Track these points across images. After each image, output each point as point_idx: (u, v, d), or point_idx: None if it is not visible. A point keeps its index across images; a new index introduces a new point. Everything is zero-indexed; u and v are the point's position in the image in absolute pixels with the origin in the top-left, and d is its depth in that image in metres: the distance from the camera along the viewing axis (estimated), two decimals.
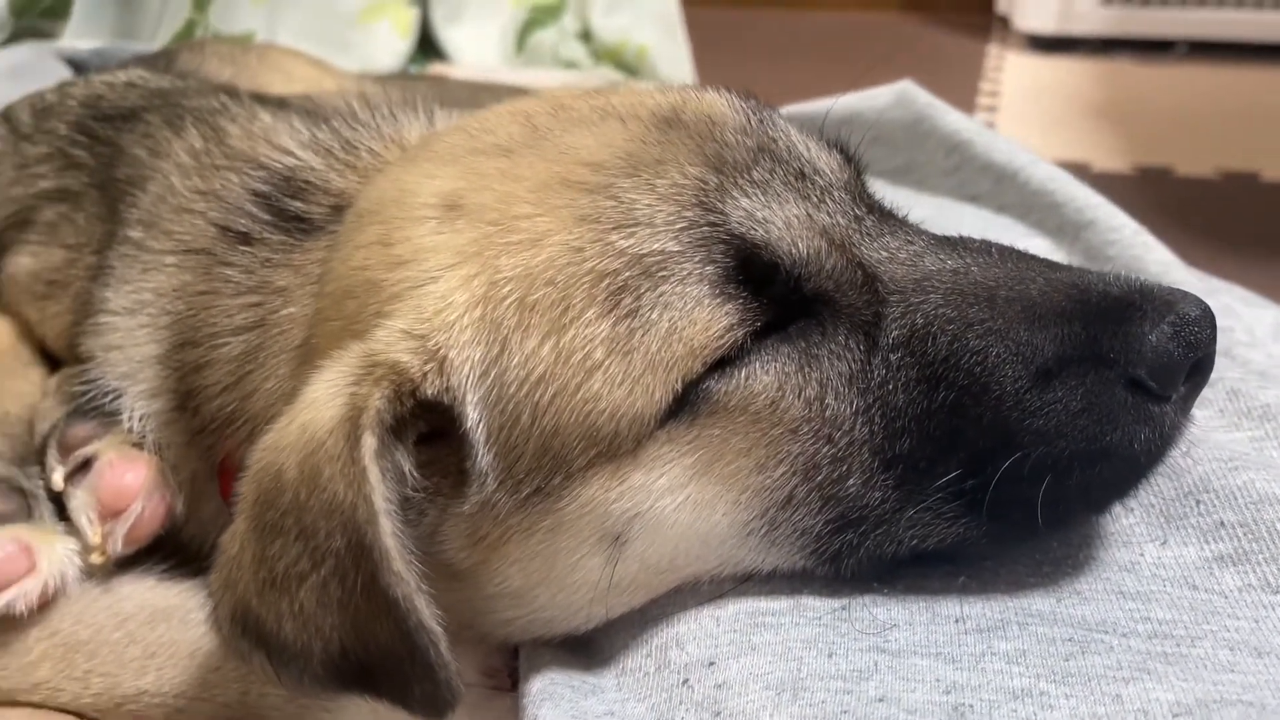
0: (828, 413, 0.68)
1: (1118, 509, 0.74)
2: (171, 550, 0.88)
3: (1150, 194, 2.14)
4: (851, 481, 0.68)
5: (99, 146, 1.07)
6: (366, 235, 0.74)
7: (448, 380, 0.67)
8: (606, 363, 0.65)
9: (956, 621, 0.68)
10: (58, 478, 0.86)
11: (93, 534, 0.84)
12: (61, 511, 0.87)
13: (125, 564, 0.86)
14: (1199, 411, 0.82)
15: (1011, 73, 2.96)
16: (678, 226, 0.66)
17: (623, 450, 0.67)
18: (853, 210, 0.71)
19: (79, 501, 0.85)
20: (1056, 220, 1.10)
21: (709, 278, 0.66)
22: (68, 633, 0.82)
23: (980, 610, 0.68)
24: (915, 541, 0.69)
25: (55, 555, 0.82)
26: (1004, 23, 3.32)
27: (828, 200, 0.71)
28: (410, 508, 0.69)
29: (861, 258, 0.69)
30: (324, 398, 0.66)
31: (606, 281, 0.66)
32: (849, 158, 0.77)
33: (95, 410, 0.89)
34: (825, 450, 0.68)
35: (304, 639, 0.66)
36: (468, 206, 0.70)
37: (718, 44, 3.27)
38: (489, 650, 0.81)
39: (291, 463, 0.66)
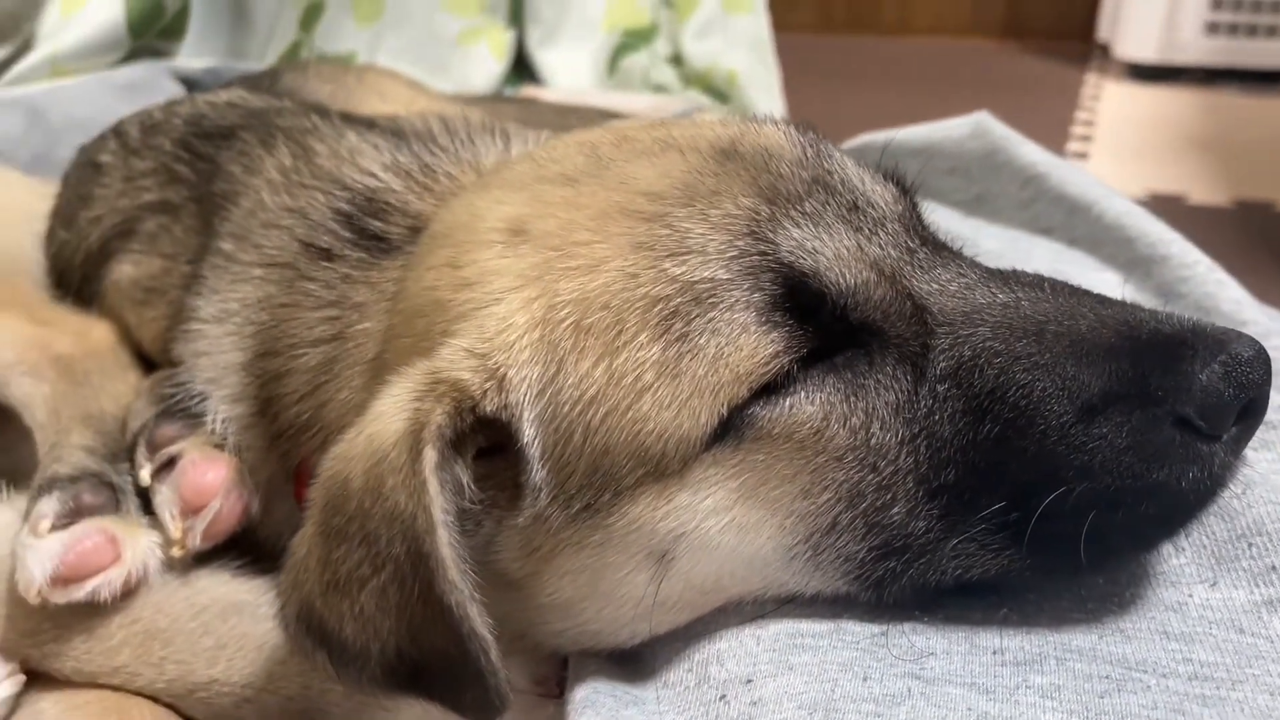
0: (873, 441, 0.69)
1: (1168, 549, 0.74)
2: (247, 548, 0.92)
3: (1250, 228, 2.09)
4: (896, 510, 0.69)
5: (199, 162, 1.13)
6: (437, 257, 0.77)
7: (506, 398, 0.70)
8: (656, 385, 0.68)
9: (994, 653, 0.68)
10: (145, 474, 0.91)
11: (174, 528, 0.88)
12: (147, 506, 0.92)
13: (204, 559, 0.91)
14: (1261, 454, 0.82)
15: (1110, 102, 2.92)
16: (729, 255, 0.68)
17: (670, 471, 0.69)
18: (905, 242, 0.72)
19: (163, 497, 0.89)
20: (1129, 255, 1.09)
21: (756, 305, 0.67)
22: (148, 621, 0.87)
23: (1019, 643, 0.69)
24: (959, 572, 0.70)
25: (139, 547, 0.87)
26: (1104, 51, 3.27)
27: (880, 232, 0.72)
28: (468, 519, 0.72)
29: (912, 289, 0.70)
30: (390, 411, 0.69)
31: (659, 307, 0.68)
32: (905, 190, 0.78)
33: (182, 412, 0.94)
34: (870, 479, 0.69)
35: (363, 640, 0.69)
36: (532, 232, 0.73)
37: (809, 70, 3.28)
38: (540, 659, 0.84)
39: (358, 472, 0.69)
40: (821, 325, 0.68)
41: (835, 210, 0.72)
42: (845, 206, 0.72)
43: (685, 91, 2.60)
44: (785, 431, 0.68)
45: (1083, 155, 2.51)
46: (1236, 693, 0.63)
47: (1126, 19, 3.06)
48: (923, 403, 0.69)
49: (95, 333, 1.13)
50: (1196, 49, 3.01)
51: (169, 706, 0.87)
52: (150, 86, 1.95)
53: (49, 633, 0.86)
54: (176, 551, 0.89)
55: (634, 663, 0.78)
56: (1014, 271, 0.73)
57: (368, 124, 1.09)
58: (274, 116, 1.13)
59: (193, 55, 2.14)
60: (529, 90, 2.51)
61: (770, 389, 0.68)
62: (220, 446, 0.92)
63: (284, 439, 0.88)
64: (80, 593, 0.83)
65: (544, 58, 2.65)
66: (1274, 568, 0.70)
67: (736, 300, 0.68)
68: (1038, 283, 0.72)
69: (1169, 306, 1.02)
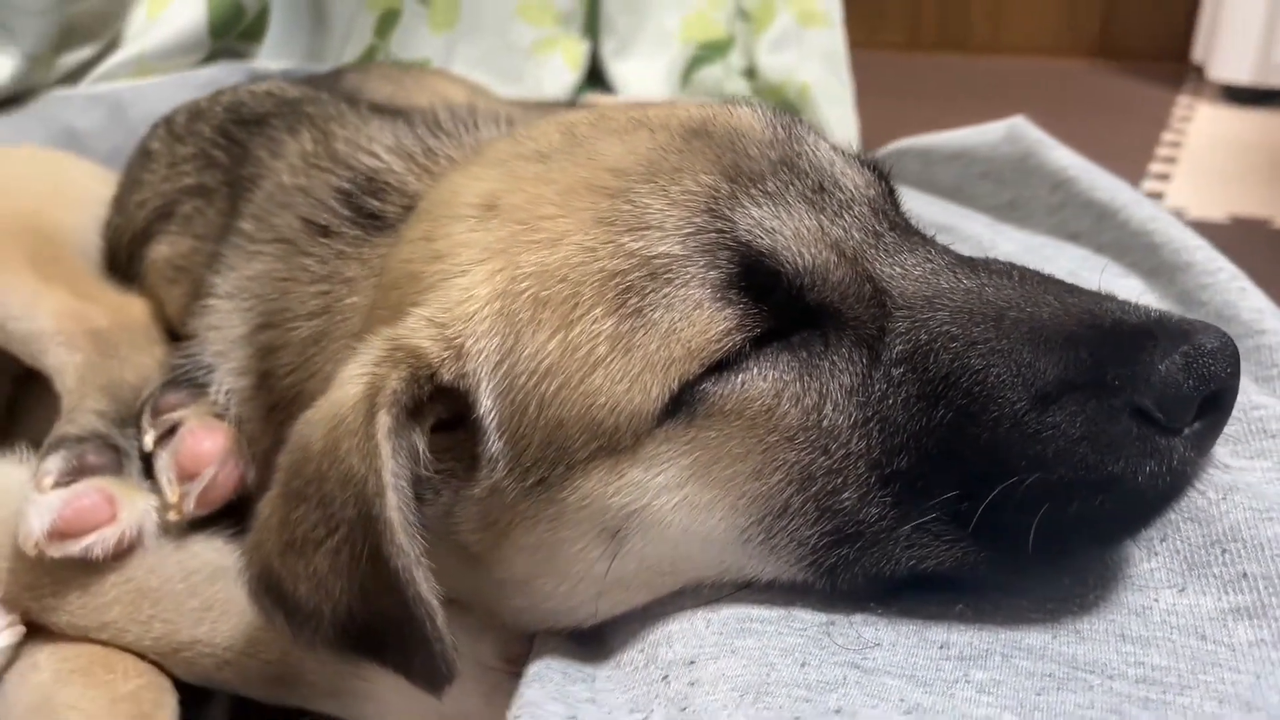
0: (825, 423, 0.68)
1: (1140, 552, 0.71)
2: (243, 517, 0.95)
3: None
4: (847, 495, 0.68)
5: (234, 148, 1.17)
6: (416, 231, 0.79)
7: (464, 367, 0.70)
8: (609, 359, 0.68)
9: (941, 647, 0.66)
10: (149, 440, 0.94)
11: (171, 493, 0.91)
12: (150, 471, 0.95)
13: (201, 525, 0.93)
14: (1256, 463, 0.78)
15: (1200, 123, 2.82)
16: (685, 231, 0.68)
17: (622, 446, 0.69)
18: (873, 226, 0.71)
19: (162, 462, 0.92)
20: (1153, 262, 1.05)
21: (711, 282, 0.67)
22: (140, 580, 0.89)
23: (968, 639, 0.67)
24: (912, 562, 0.68)
25: (136, 508, 0.90)
26: (1199, 72, 3.16)
27: (845, 215, 0.71)
28: (427, 488, 0.73)
29: (872, 272, 0.69)
30: (350, 377, 0.71)
31: (615, 281, 0.68)
32: (882, 176, 0.77)
33: (189, 382, 0.97)
34: (821, 461, 0.68)
35: (316, 601, 0.70)
36: (502, 207, 0.74)
37: (897, 88, 3.25)
38: (511, 638, 0.84)
39: (318, 435, 0.71)
40: (777, 304, 0.68)
41: (799, 191, 0.71)
42: (811, 188, 0.71)
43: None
44: (737, 408, 0.68)
45: (1164, 176, 2.44)
46: (1183, 698, 0.60)
47: (1222, 40, 2.96)
48: (877, 386, 0.68)
49: (131, 309, 1.17)
50: None
51: (154, 665, 0.89)
52: (228, 86, 2.02)
53: (48, 586, 0.89)
54: (173, 516, 0.92)
55: (594, 643, 0.78)
56: (986, 259, 0.72)
57: (397, 113, 1.11)
58: (305, 105, 1.16)
59: (272, 58, 2.20)
60: (592, 98, 2.53)
61: (723, 366, 0.67)
62: (221, 417, 0.95)
63: (279, 410, 0.90)
64: (75, 548, 0.86)
65: (618, 68, 2.67)
66: (1245, 575, 0.66)
67: (692, 276, 0.67)
68: (1006, 271, 0.70)
69: (1191, 313, 0.99)
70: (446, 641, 0.69)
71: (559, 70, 2.62)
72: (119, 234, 1.27)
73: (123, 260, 1.25)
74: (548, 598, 0.75)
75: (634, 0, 2.69)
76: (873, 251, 0.70)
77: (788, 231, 0.68)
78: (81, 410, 0.97)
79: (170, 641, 0.88)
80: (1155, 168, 2.49)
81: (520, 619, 0.80)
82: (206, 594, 0.89)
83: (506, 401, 0.70)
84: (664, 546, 0.71)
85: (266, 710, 0.93)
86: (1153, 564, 0.70)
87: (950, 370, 0.66)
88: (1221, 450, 0.80)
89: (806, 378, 0.68)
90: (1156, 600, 0.68)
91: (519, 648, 0.84)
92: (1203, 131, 2.75)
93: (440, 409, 0.72)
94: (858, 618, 0.70)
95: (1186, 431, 0.63)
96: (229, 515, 0.94)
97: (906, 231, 0.73)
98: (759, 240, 0.68)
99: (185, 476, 0.91)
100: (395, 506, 0.67)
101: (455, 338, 0.70)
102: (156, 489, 0.93)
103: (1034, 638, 0.66)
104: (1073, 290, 0.68)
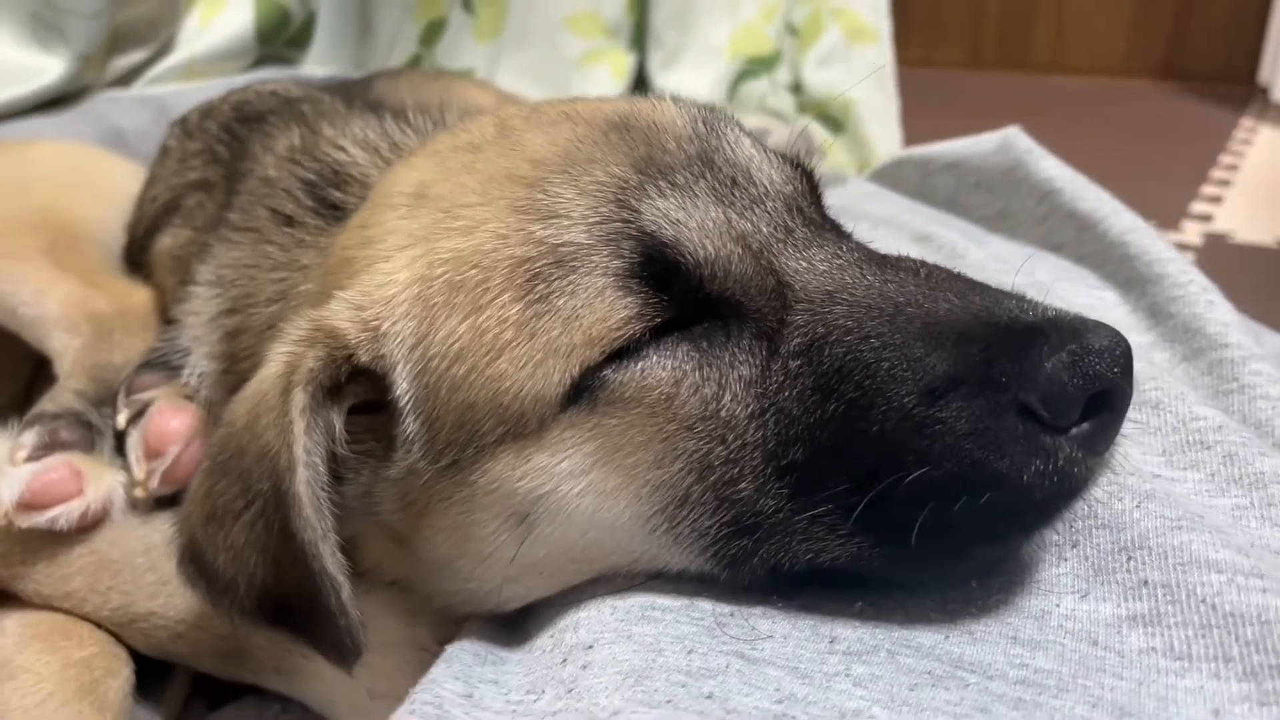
0: (723, 413, 0.68)
1: (1051, 557, 0.70)
2: None
3: None
4: (744, 485, 0.68)
5: (235, 144, 1.21)
6: (356, 219, 0.81)
7: (381, 349, 0.72)
8: (515, 343, 0.69)
9: (830, 641, 0.66)
10: (121, 419, 0.98)
11: (138, 470, 0.95)
12: (123, 449, 0.98)
13: (169, 503, 0.97)
14: (1189, 474, 0.76)
15: (1260, 146, 2.74)
16: (591, 220, 0.69)
17: (528, 431, 0.70)
18: (784, 221, 0.72)
19: (132, 440, 0.96)
20: (1128, 273, 1.03)
21: (614, 271, 0.68)
22: (103, 552, 0.93)
23: (859, 635, 0.66)
24: (809, 555, 0.68)
25: (103, 483, 0.93)
26: (1265, 94, 3.08)
27: (755, 209, 0.71)
28: (348, 468, 0.75)
29: (777, 266, 0.69)
30: (273, 355, 0.73)
31: (525, 267, 0.69)
32: (806, 173, 0.77)
33: (164, 365, 1.00)
34: (719, 451, 0.68)
35: (233, 572, 0.73)
36: (430, 195, 0.76)
37: (956, 105, 3.22)
38: (449, 622, 0.85)
39: (243, 411, 0.73)
40: (679, 295, 0.68)
41: (709, 185, 0.72)
42: (723, 182, 0.72)
43: (799, 119, 2.59)
44: (637, 395, 0.68)
45: (1215, 199, 2.38)
46: (1058, 700, 0.59)
47: None
48: (774, 378, 0.68)
49: (134, 297, 1.22)
50: None
51: (113, 635, 0.92)
52: None
53: (17, 555, 0.93)
54: (139, 492, 0.95)
55: (518, 628, 0.79)
56: (898, 256, 0.71)
57: (379, 111, 1.14)
58: (302, 104, 1.20)
59: (317, 65, 2.27)
60: None
61: (624, 354, 0.68)
62: (194, 399, 0.98)
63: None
64: (41, 519, 0.90)
65: (664, 81, 2.69)
66: (1146, 582, 0.65)
67: (595, 265, 0.68)
68: (915, 268, 0.70)
69: (1159, 327, 0.97)
70: (352, 616, 0.70)
71: (604, 82, 2.64)
72: (135, 227, 1.32)
73: (136, 252, 1.30)
74: (467, 579, 0.77)
75: (682, 13, 2.70)
76: (780, 246, 0.70)
77: (692, 223, 0.69)
78: (62, 389, 1.01)
79: (127, 612, 0.91)
80: (1208, 190, 2.43)
81: (449, 601, 0.81)
82: (164, 569, 0.92)
83: (421, 384, 0.72)
84: (572, 532, 0.72)
85: (226, 687, 0.96)
86: (1061, 569, 0.69)
87: (843, 363, 0.65)
88: (1156, 459, 0.79)
89: (706, 368, 0.69)
90: (1058, 605, 0.66)
91: (454, 630, 0.86)
92: (1261, 154, 2.68)
93: (360, 390, 0.74)
94: (758, 610, 0.69)
95: (1074, 431, 0.62)
96: None
97: (820, 227, 0.73)
98: (662, 231, 0.69)
99: (152, 454, 0.94)
100: (305, 481, 0.69)
101: (373, 320, 0.72)
102: (127, 466, 0.96)
103: (926, 636, 0.65)
104: (976, 288, 0.67)
